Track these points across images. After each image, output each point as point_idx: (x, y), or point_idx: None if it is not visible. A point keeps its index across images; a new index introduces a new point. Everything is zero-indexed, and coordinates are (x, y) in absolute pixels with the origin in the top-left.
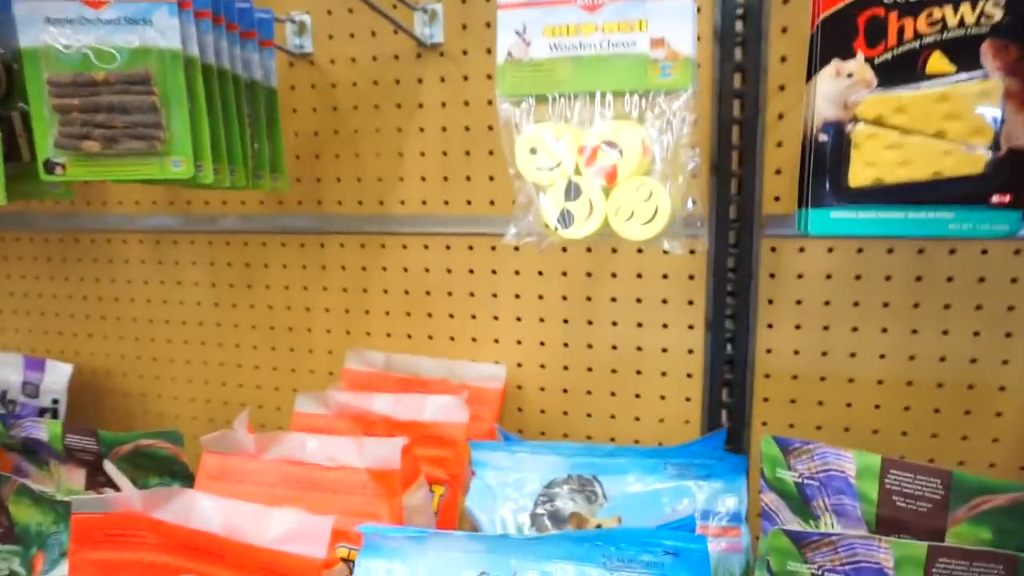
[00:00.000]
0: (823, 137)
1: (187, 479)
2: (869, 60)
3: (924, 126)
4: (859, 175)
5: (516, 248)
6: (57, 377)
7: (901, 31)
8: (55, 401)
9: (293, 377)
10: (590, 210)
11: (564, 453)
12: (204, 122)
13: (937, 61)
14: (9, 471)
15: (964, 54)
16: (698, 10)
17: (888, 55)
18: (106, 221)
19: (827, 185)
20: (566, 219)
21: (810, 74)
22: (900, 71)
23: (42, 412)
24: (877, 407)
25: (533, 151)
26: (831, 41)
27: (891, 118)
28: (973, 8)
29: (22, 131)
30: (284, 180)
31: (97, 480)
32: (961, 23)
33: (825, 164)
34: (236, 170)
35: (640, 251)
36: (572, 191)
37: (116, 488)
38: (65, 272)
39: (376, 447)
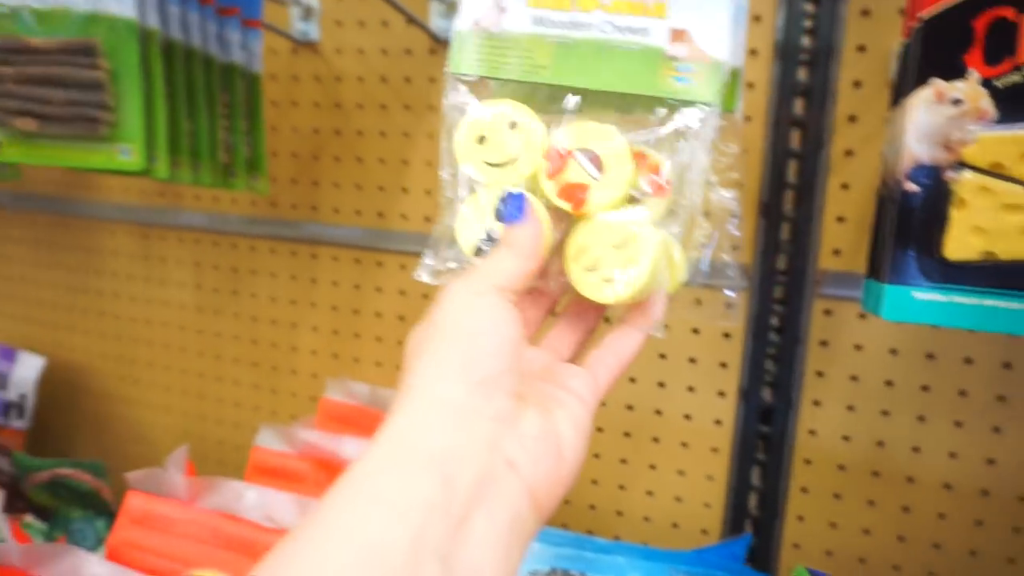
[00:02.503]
0: (911, 186)
1: (109, 517)
2: (987, 82)
3: None
4: (961, 244)
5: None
6: (27, 371)
7: None
8: (22, 396)
9: (273, 398)
10: None
11: (551, 541)
12: (161, 106)
13: None
14: None
15: None
16: (756, 19)
17: (1017, 76)
18: (94, 208)
19: (912, 253)
20: (488, 247)
21: (898, 97)
22: None
23: (8, 406)
24: (942, 516)
25: (482, 140)
26: (933, 52)
27: (1016, 166)
28: None
29: None
30: (264, 181)
31: (16, 506)
32: None
33: (911, 224)
34: (201, 166)
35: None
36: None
37: (43, 517)
38: (52, 258)
39: None
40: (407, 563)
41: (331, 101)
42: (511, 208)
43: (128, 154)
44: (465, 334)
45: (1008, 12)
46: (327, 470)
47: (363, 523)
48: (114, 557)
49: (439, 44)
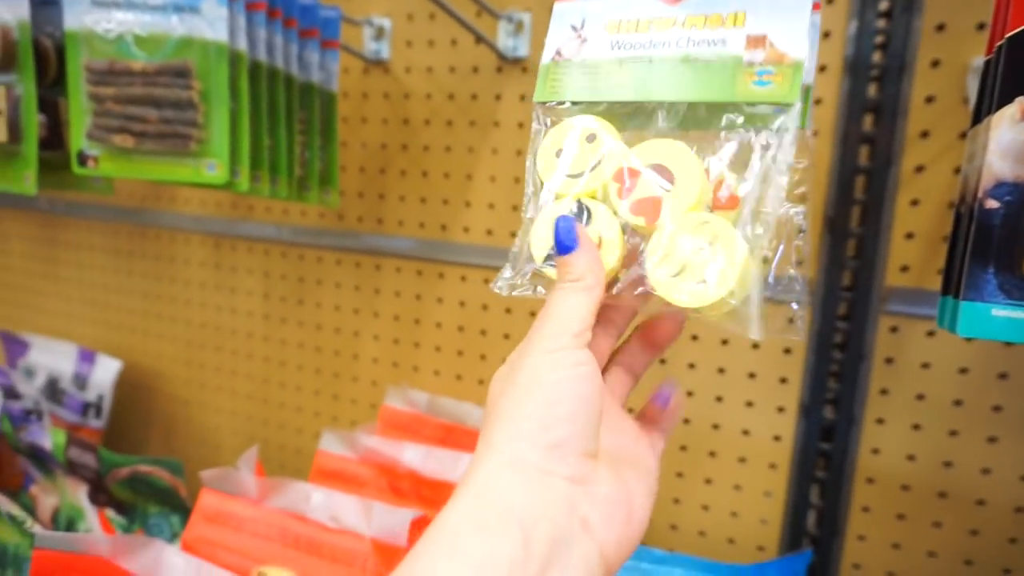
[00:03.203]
0: (992, 203)
1: (184, 513)
2: None
3: None
4: None
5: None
6: (105, 373)
7: None
8: (100, 397)
9: (334, 404)
10: (597, 249)
11: None
12: (245, 124)
13: None
14: (18, 473)
15: None
16: (826, 35)
17: None
18: (172, 219)
19: (991, 270)
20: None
21: (980, 115)
22: None
23: (87, 407)
24: (1013, 541)
25: (559, 153)
26: (1019, 71)
27: None
28: None
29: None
30: (335, 195)
31: (99, 499)
32: None
33: (991, 241)
34: (279, 180)
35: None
36: (581, 216)
37: (121, 510)
38: (130, 266)
39: (385, 515)
40: None
41: (399, 117)
42: (562, 236)
43: (214, 169)
44: (541, 398)
45: None
46: (387, 475)
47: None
48: (189, 551)
49: (506, 62)
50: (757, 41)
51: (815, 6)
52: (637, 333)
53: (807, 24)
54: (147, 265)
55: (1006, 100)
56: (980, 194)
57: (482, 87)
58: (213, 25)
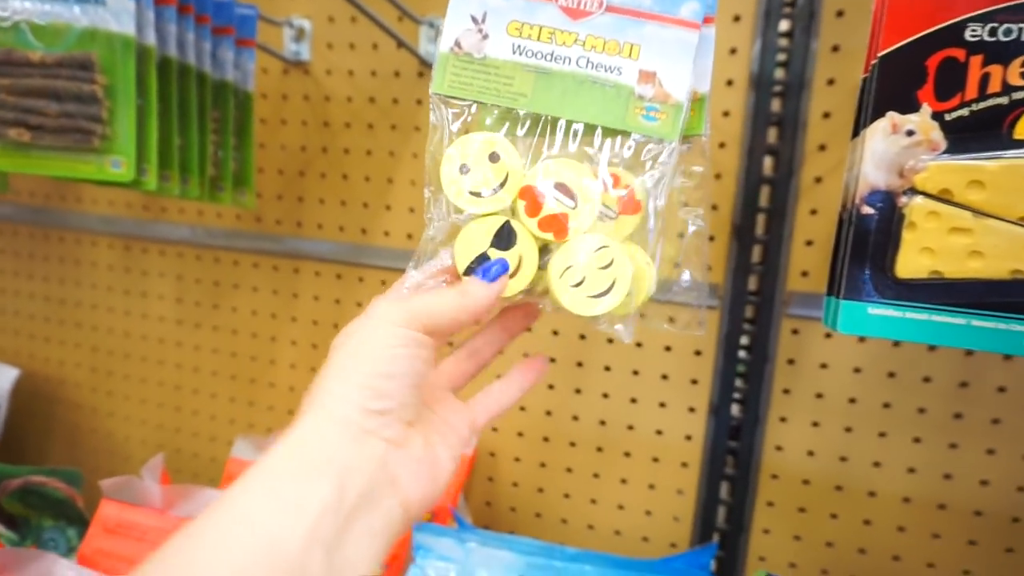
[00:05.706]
0: (867, 209)
1: (82, 525)
2: (938, 116)
3: (1007, 208)
4: (911, 264)
5: None
6: (0, 381)
7: (985, 81)
8: None
9: (250, 411)
10: (517, 266)
11: (520, 550)
12: (153, 120)
13: None
14: None
15: None
16: (733, 51)
17: (964, 111)
18: (78, 220)
19: (867, 272)
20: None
21: (857, 128)
22: (979, 133)
23: None
24: (901, 529)
25: (464, 169)
26: (889, 87)
27: (962, 193)
28: None
29: None
30: (251, 196)
31: None
32: None
33: (867, 244)
34: (189, 179)
35: (642, 316)
36: (505, 237)
37: (12, 524)
38: (30, 269)
39: None
40: (300, 551)
41: (319, 120)
42: (491, 271)
43: (119, 166)
44: (377, 369)
45: (958, 53)
46: None
47: (267, 514)
48: (86, 564)
49: (427, 68)
50: (648, 76)
51: (707, 19)
52: (495, 320)
53: (690, 67)
54: (49, 268)
55: (879, 114)
56: (857, 201)
57: (403, 91)
58: (119, 17)
